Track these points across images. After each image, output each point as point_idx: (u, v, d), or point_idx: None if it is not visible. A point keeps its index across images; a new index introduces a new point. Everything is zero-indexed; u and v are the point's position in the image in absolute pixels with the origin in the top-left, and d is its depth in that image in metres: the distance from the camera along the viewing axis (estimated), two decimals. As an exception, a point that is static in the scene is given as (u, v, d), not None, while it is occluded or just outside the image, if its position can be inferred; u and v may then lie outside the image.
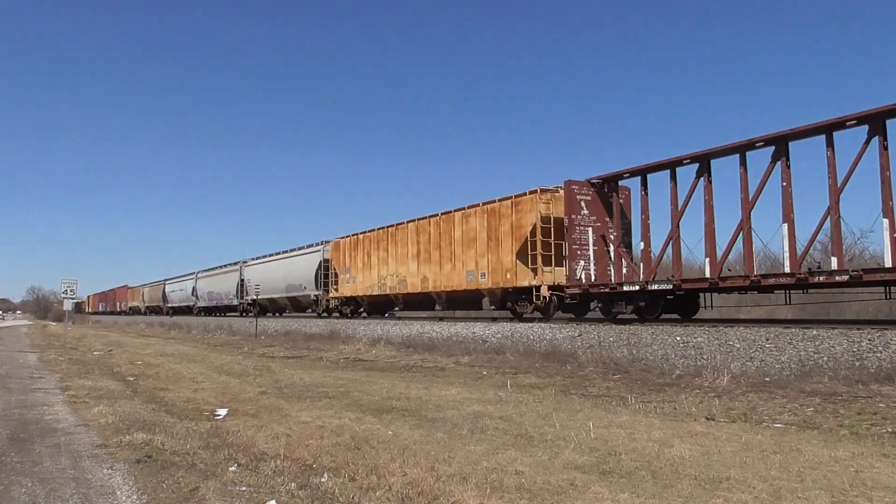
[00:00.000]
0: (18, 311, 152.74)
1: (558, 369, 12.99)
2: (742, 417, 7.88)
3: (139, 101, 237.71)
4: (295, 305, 34.23)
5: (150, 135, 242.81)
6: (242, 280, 39.21)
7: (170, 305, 57.30)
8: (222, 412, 8.91)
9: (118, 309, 77.94)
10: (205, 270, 48.92)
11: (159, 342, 29.30)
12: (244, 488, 5.05)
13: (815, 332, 10.96)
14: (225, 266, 43.96)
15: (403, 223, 23.51)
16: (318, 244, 30.90)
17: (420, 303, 23.83)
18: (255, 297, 35.05)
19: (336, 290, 28.38)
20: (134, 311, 69.94)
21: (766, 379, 10.25)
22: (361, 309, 27.46)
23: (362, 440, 6.79)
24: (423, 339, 19.28)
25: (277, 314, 37.53)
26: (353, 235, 27.45)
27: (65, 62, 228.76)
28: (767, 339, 11.32)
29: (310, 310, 32.68)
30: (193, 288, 50.02)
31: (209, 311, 47.57)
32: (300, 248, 32.96)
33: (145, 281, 73.04)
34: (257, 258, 38.47)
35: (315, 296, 30.40)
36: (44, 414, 8.85)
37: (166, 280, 60.23)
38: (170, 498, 4.86)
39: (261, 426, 7.70)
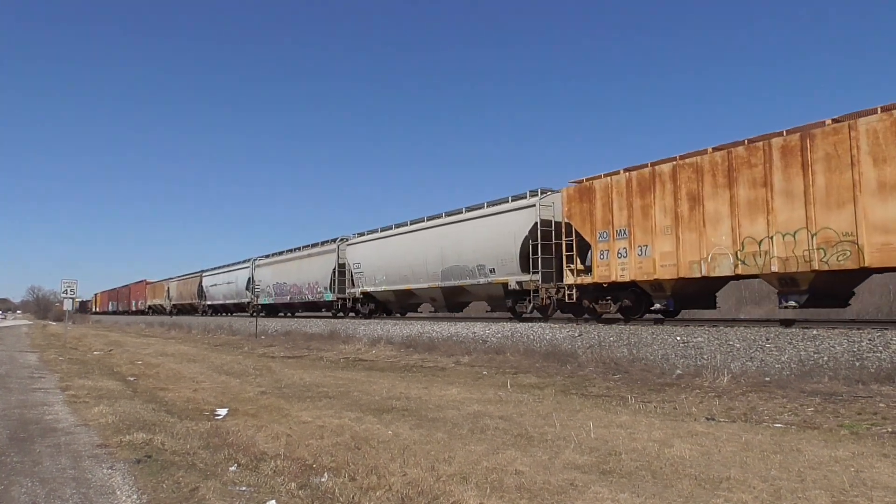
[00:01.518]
0: (18, 311, 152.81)
1: (558, 369, 12.98)
2: (742, 417, 7.88)
3: (139, 98, 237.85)
4: (453, 299, 22.10)
5: (150, 132, 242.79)
6: (344, 265, 27.62)
7: (210, 303, 44.81)
8: (222, 412, 8.91)
9: (133, 308, 67.03)
10: (268, 256, 36.32)
11: (159, 342, 29.29)
12: (244, 488, 5.04)
13: (815, 331, 10.96)
14: (308, 247, 31.48)
15: (825, 124, 11.34)
16: (526, 196, 18.45)
17: None
18: (370, 289, 25.01)
19: (582, 271, 16.24)
20: (156, 311, 58.56)
21: (767, 379, 10.24)
22: (657, 304, 14.80)
23: (362, 440, 6.79)
24: (423, 339, 19.27)
25: (398, 314, 26.47)
26: (626, 171, 15.02)
27: (67, 61, 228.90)
28: (767, 339, 11.32)
29: (488, 306, 21.19)
30: (249, 279, 37.43)
31: (275, 309, 35.22)
32: (475, 209, 20.46)
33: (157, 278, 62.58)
34: (370, 233, 26.33)
35: (518, 283, 18.05)
36: (44, 414, 8.84)
37: (203, 272, 46.72)
38: (170, 498, 4.86)
39: (261, 426, 7.69)
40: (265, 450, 6.35)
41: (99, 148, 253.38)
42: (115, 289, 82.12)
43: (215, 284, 43.78)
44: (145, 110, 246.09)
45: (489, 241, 19.25)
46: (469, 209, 20.91)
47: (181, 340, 31.12)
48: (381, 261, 24.93)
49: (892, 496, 4.66)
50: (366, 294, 26.33)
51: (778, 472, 5.30)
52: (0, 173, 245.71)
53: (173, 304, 53.99)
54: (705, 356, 11.82)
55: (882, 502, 4.55)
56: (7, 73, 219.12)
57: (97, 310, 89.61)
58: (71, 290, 28.16)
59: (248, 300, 37.33)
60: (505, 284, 18.66)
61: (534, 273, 17.33)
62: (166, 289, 56.25)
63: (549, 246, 17.19)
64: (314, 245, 30.90)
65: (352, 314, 27.78)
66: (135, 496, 4.91)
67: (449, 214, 21.91)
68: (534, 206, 17.76)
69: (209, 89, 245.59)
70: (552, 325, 16.27)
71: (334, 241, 28.83)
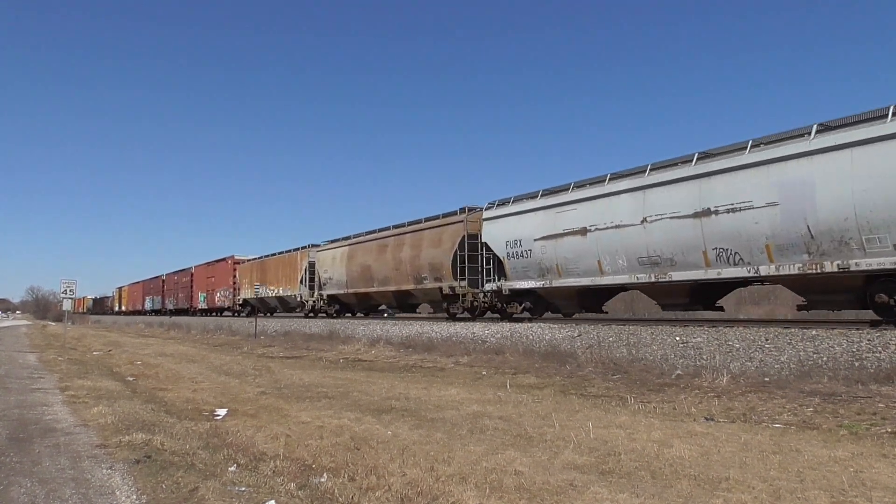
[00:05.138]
0: (18, 312, 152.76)
1: (557, 369, 12.98)
2: (741, 417, 7.88)
3: (138, 97, 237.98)
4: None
5: (150, 131, 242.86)
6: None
7: (518, 286, 17.97)
8: (222, 412, 8.90)
9: (201, 305, 41.93)
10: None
11: (158, 342, 29.27)
12: (243, 488, 5.04)
13: (814, 332, 10.96)
14: None
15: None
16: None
17: None
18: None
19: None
20: (257, 311, 33.63)
21: (766, 379, 10.24)
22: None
23: (362, 440, 6.79)
24: (422, 339, 19.27)
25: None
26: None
27: (67, 62, 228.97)
28: (767, 340, 11.32)
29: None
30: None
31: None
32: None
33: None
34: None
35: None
36: (43, 414, 8.83)
37: (484, 208, 19.58)
38: (169, 498, 4.86)
39: (260, 426, 7.69)
40: (264, 450, 6.35)
41: (99, 147, 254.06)
42: (156, 277, 53.57)
43: (566, 233, 16.27)
44: (144, 110, 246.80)
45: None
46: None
47: (180, 340, 31.10)
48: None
49: (892, 496, 4.66)
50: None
51: (777, 473, 5.31)
52: (0, 173, 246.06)
53: (331, 295, 27.77)
54: (704, 356, 11.82)
55: (881, 502, 4.56)
56: (6, 72, 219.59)
57: (124, 309, 66.48)
58: (70, 291, 28.10)
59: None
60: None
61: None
62: (302, 267, 29.89)
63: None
64: None
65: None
66: (134, 496, 4.91)
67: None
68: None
69: (207, 87, 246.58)
70: (551, 325, 16.28)
71: None
